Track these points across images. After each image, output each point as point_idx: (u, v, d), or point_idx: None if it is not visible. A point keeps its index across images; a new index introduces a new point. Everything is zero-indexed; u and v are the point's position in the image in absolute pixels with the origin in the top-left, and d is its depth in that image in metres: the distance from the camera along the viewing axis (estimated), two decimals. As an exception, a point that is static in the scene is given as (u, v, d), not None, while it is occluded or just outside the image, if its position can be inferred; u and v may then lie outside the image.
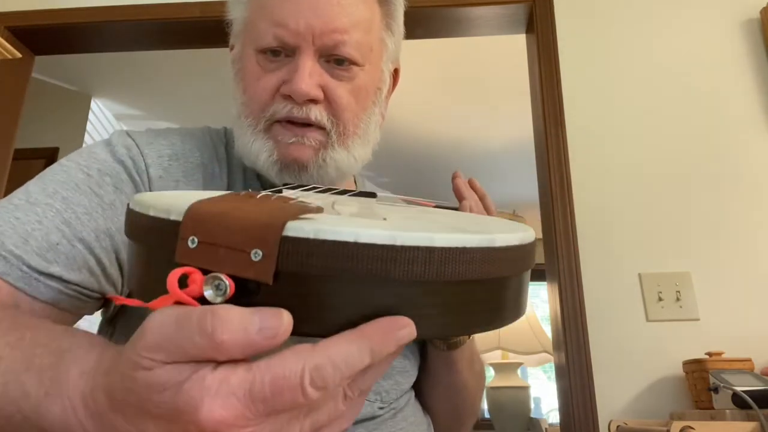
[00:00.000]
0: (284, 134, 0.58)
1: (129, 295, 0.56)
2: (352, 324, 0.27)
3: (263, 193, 0.31)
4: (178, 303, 0.26)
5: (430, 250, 0.27)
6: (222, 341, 0.24)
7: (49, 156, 2.92)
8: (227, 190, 0.63)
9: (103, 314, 0.61)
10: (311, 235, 0.26)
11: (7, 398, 0.32)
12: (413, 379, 0.67)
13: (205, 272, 0.26)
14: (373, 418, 0.60)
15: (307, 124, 0.58)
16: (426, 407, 0.70)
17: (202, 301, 0.26)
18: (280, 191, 0.38)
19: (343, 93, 0.59)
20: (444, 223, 0.34)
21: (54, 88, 3.01)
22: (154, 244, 0.30)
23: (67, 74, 2.93)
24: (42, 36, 1.87)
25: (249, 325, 0.24)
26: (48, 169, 0.56)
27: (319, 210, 0.29)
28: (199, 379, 0.25)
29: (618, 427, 1.19)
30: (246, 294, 0.26)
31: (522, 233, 0.32)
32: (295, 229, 0.26)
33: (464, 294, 0.29)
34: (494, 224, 0.37)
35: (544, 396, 4.43)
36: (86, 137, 2.99)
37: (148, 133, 0.63)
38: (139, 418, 0.26)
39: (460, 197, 0.65)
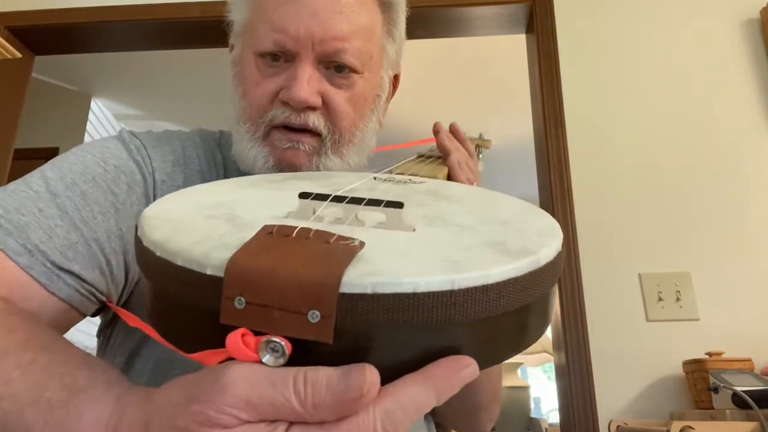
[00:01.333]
0: (280, 139, 0.59)
1: (127, 303, 0.56)
2: (416, 368, 0.26)
3: (299, 227, 0.29)
4: (231, 359, 0.25)
5: (486, 289, 0.27)
6: (314, 404, 0.24)
7: (49, 156, 2.90)
8: None
9: (103, 317, 0.61)
10: (369, 290, 0.25)
11: (5, 429, 0.30)
12: None
13: (255, 332, 0.25)
14: None
15: (304, 130, 0.59)
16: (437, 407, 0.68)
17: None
18: (306, 196, 0.36)
19: (341, 100, 0.59)
20: (479, 233, 0.33)
21: (54, 88, 3.01)
22: (187, 298, 0.28)
23: (67, 74, 2.93)
24: (42, 36, 1.87)
25: (337, 387, 0.24)
26: (62, 157, 0.56)
27: (362, 245, 0.28)
28: None
29: (618, 427, 1.19)
30: (303, 352, 0.25)
31: (557, 240, 0.32)
32: (352, 285, 0.25)
33: (515, 321, 0.29)
34: (523, 222, 0.36)
35: (544, 396, 4.44)
36: (86, 137, 2.99)
37: (151, 136, 0.63)
38: None
39: (446, 153, 0.65)
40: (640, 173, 1.52)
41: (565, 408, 1.39)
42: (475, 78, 2.91)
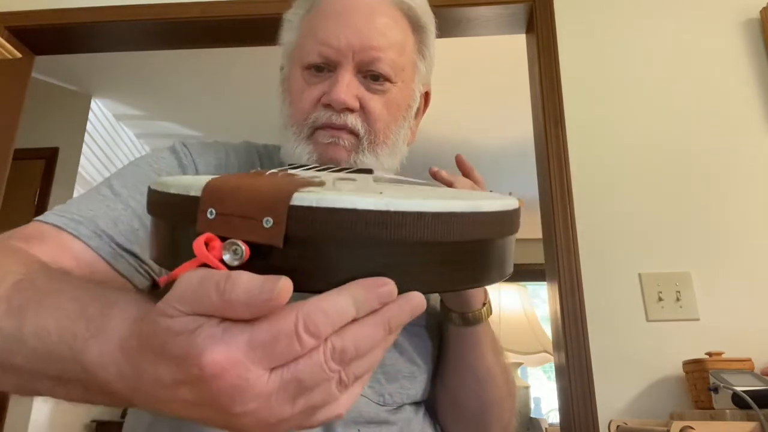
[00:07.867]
0: (323, 135, 0.66)
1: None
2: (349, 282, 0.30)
3: (271, 171, 0.36)
4: (204, 266, 0.30)
5: (420, 215, 0.30)
6: (230, 300, 0.28)
7: (49, 156, 2.92)
8: None
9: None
10: (314, 204, 0.29)
11: (62, 338, 0.37)
12: (421, 387, 0.68)
13: (223, 239, 0.30)
14: (378, 423, 0.62)
15: (344, 129, 0.66)
16: (453, 404, 0.70)
17: (224, 264, 0.30)
18: (285, 170, 0.42)
19: (377, 104, 0.66)
20: (437, 194, 0.38)
21: (54, 88, 3.01)
22: (176, 218, 0.35)
23: (67, 74, 2.93)
24: (42, 36, 1.87)
25: (252, 288, 0.28)
26: (124, 168, 0.68)
27: (321, 183, 0.33)
28: (207, 328, 0.29)
29: (618, 427, 1.19)
30: (260, 257, 0.30)
31: (505, 201, 0.36)
32: (301, 199, 0.30)
33: (452, 254, 0.32)
34: (483, 196, 0.41)
35: (544, 396, 4.44)
36: (86, 137, 3.00)
37: (200, 145, 0.73)
38: (156, 359, 0.31)
39: (450, 184, 0.68)
40: (640, 173, 1.52)
41: (565, 408, 1.39)
42: (475, 78, 2.91)
